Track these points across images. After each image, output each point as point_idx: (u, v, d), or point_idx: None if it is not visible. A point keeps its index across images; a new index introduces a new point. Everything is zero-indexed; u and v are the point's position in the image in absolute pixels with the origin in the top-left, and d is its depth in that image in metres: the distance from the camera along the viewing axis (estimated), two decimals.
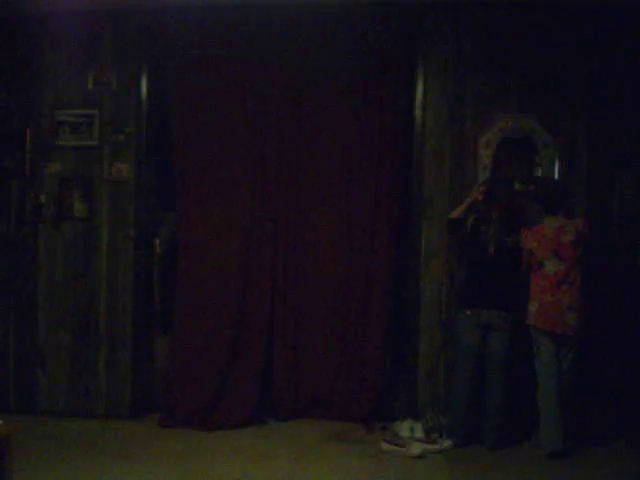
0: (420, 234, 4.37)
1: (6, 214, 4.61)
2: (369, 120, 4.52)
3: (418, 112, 4.41)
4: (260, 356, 4.50)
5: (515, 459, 3.81)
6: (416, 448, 3.85)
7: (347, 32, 4.48)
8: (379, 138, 4.51)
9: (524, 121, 4.28)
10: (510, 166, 4.33)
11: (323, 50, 4.53)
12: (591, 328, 3.92)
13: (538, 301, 3.86)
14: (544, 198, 4.00)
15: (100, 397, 4.52)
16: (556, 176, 4.26)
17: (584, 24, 4.27)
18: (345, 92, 4.54)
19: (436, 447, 3.91)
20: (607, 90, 4.24)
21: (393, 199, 4.53)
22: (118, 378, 4.50)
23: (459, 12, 4.34)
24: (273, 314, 4.55)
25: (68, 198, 4.54)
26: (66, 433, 4.17)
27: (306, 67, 4.55)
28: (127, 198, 4.52)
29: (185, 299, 4.57)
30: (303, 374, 4.57)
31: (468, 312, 3.98)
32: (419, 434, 4.05)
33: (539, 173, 4.30)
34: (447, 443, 3.95)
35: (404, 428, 4.11)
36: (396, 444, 3.92)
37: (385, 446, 3.94)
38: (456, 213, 4.13)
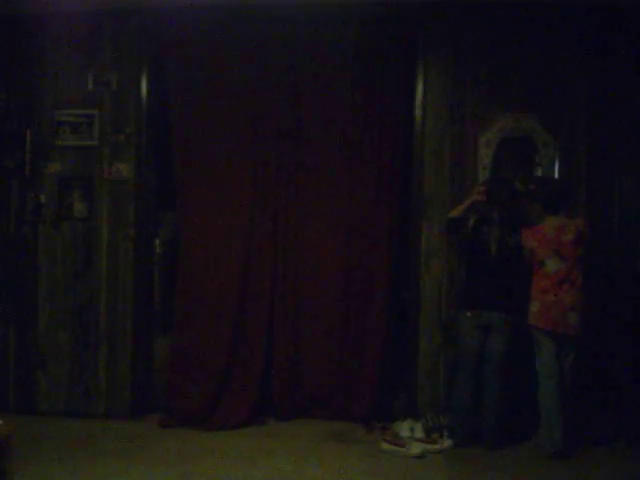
0: (420, 234, 4.37)
1: (6, 214, 4.61)
2: (369, 120, 4.52)
3: (418, 112, 4.41)
4: (260, 356, 4.50)
5: (515, 459, 3.80)
6: (416, 448, 3.85)
7: (347, 32, 4.48)
8: (379, 138, 4.51)
9: (524, 121, 4.29)
10: (510, 166, 4.33)
11: (323, 50, 4.52)
12: (591, 328, 3.92)
13: (540, 301, 3.86)
14: (544, 197, 4.00)
15: (100, 397, 4.52)
16: (556, 176, 4.26)
17: (584, 24, 4.27)
18: (345, 92, 4.53)
19: (436, 447, 3.91)
20: (607, 90, 4.24)
21: (393, 199, 4.53)
22: (118, 378, 4.51)
23: (459, 12, 4.34)
24: (273, 314, 4.55)
25: (68, 198, 4.54)
26: (66, 433, 4.17)
27: (306, 67, 4.55)
28: (127, 198, 4.52)
29: (185, 299, 4.57)
30: (303, 374, 4.57)
31: (469, 314, 3.98)
32: (419, 434, 4.05)
33: (539, 173, 4.30)
34: (447, 443, 3.96)
35: (404, 428, 4.11)
36: (396, 444, 3.92)
37: (385, 446, 3.94)
38: (456, 212, 4.13)
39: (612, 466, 3.71)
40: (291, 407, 4.52)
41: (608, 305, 4.14)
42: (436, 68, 4.37)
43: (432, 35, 4.38)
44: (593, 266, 3.96)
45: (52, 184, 4.56)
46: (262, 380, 4.49)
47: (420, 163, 4.39)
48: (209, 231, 4.55)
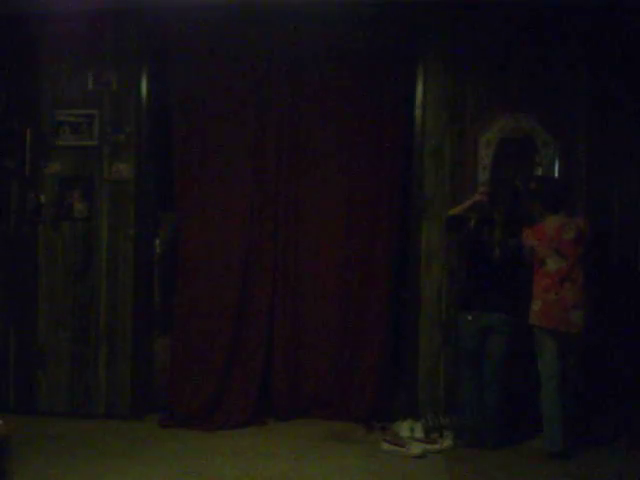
0: (420, 234, 4.37)
1: (6, 214, 4.61)
2: (369, 120, 4.52)
3: (418, 112, 4.41)
4: (260, 356, 4.50)
5: (516, 459, 3.80)
6: (416, 448, 3.85)
7: (347, 32, 4.48)
8: (379, 138, 4.51)
9: (524, 121, 4.28)
10: (510, 166, 4.33)
11: (323, 50, 4.53)
12: (592, 328, 3.92)
13: (541, 300, 3.85)
14: (545, 196, 3.99)
15: (100, 397, 4.52)
16: (556, 176, 4.26)
17: (584, 23, 4.27)
18: (345, 92, 4.53)
19: (436, 447, 3.91)
20: (607, 90, 4.24)
21: (393, 199, 4.53)
22: (118, 378, 4.51)
23: (459, 12, 4.33)
24: (273, 314, 4.55)
25: (68, 198, 4.54)
26: (66, 433, 4.17)
27: (306, 67, 4.55)
28: (127, 198, 4.52)
29: (185, 299, 4.57)
30: (303, 374, 4.57)
31: (469, 317, 3.97)
32: (419, 434, 4.05)
33: (539, 173, 4.30)
34: (447, 443, 3.96)
35: (404, 428, 4.11)
36: (396, 444, 3.92)
37: (385, 446, 3.94)
38: (456, 211, 4.13)
39: (612, 466, 3.71)
40: (291, 407, 4.52)
41: (608, 305, 4.14)
42: (436, 68, 4.37)
43: (432, 35, 4.38)
44: (593, 266, 3.96)
45: (52, 184, 4.56)
46: (262, 380, 4.50)
47: (420, 163, 4.39)
48: (209, 231, 4.55)
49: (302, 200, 4.58)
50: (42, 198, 4.56)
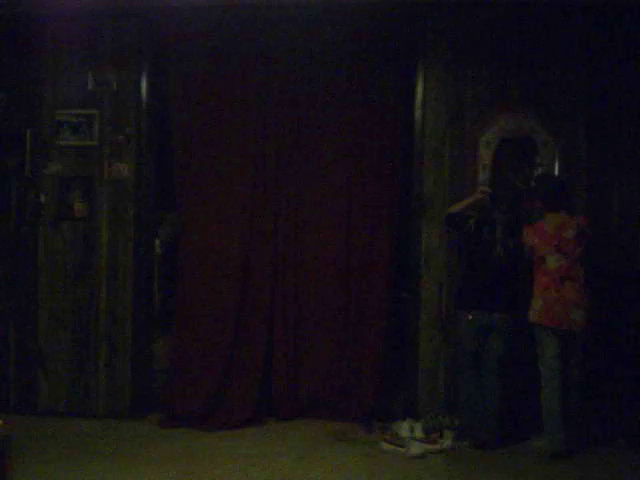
0: (420, 234, 4.37)
1: (6, 214, 4.61)
2: (369, 120, 4.52)
3: (418, 112, 4.41)
4: (260, 356, 4.50)
5: (516, 459, 3.80)
6: (416, 448, 3.85)
7: (347, 32, 4.48)
8: (379, 138, 4.51)
9: (524, 121, 4.28)
10: (510, 166, 4.33)
11: (323, 50, 4.53)
12: (592, 328, 3.91)
13: (542, 298, 3.85)
14: (545, 194, 3.99)
15: (100, 397, 4.52)
16: (556, 175, 4.26)
17: (584, 23, 4.27)
18: (345, 92, 4.54)
19: (436, 447, 3.91)
20: (607, 90, 4.24)
21: (393, 199, 4.53)
22: (118, 378, 4.50)
23: (459, 12, 4.33)
24: (273, 314, 4.55)
25: (68, 198, 4.54)
26: (66, 433, 4.17)
27: (306, 66, 4.55)
28: (127, 198, 4.52)
29: (185, 299, 4.57)
30: (303, 374, 4.57)
31: (470, 317, 3.97)
32: (419, 434, 4.05)
33: (539, 173, 4.29)
34: (447, 443, 3.95)
35: (404, 428, 4.10)
36: (396, 444, 3.92)
37: (385, 446, 3.94)
38: (456, 208, 4.11)
39: (612, 466, 3.71)
40: (291, 407, 4.52)
41: (608, 304, 4.13)
42: (436, 68, 4.37)
43: (432, 35, 4.37)
44: (593, 265, 3.96)
45: (52, 184, 4.55)
46: (262, 380, 4.50)
47: (420, 163, 4.39)
48: (209, 230, 4.55)
49: (302, 199, 4.58)
50: (42, 198, 4.56)
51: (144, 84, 4.57)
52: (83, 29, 4.53)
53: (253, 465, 3.65)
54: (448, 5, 4.32)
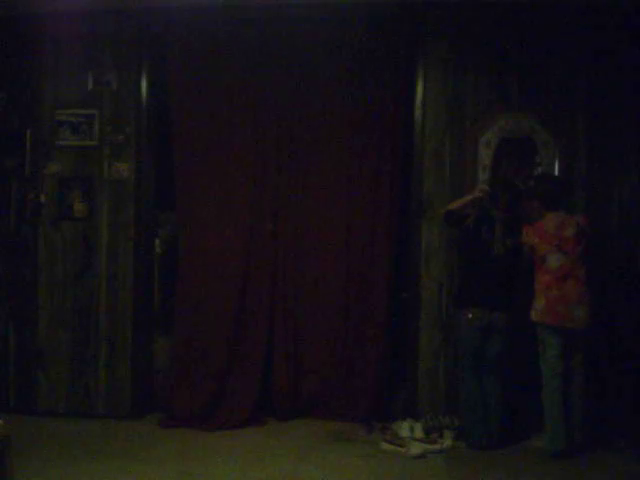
0: (420, 234, 4.37)
1: (6, 214, 4.61)
2: (369, 120, 4.52)
3: (418, 112, 4.41)
4: (260, 356, 4.50)
5: (516, 459, 3.80)
6: (416, 448, 3.85)
7: (347, 32, 4.49)
8: (379, 138, 4.51)
9: (524, 121, 4.28)
10: (510, 166, 4.33)
11: (323, 50, 4.53)
12: (593, 327, 3.91)
13: (544, 297, 3.84)
14: (544, 194, 3.98)
15: (100, 397, 4.52)
16: (555, 174, 4.26)
17: (584, 24, 4.26)
18: (345, 92, 4.53)
19: (436, 447, 3.91)
20: (607, 90, 4.24)
21: (393, 199, 4.53)
22: (118, 378, 4.50)
23: (459, 12, 4.33)
24: (273, 314, 4.55)
25: (68, 198, 4.54)
26: (66, 433, 4.17)
27: (305, 67, 4.55)
28: (127, 198, 4.52)
29: (185, 299, 4.57)
30: (303, 374, 4.57)
31: (470, 315, 3.97)
32: (419, 434, 4.05)
33: (539, 172, 4.30)
34: (447, 443, 3.96)
35: (404, 428, 4.11)
36: (396, 444, 3.92)
37: (385, 446, 3.94)
38: (455, 205, 4.09)
39: (612, 466, 3.71)
40: (291, 407, 4.52)
41: (609, 304, 4.14)
42: (436, 68, 4.37)
43: (432, 35, 4.37)
44: (593, 265, 3.96)
45: (52, 184, 4.55)
46: (262, 380, 4.50)
47: (420, 163, 4.39)
48: (209, 230, 4.55)
49: (302, 199, 4.58)
50: (42, 198, 4.56)
51: (144, 84, 4.58)
52: (83, 29, 4.53)
53: (253, 465, 3.65)
54: (448, 5, 4.32)
